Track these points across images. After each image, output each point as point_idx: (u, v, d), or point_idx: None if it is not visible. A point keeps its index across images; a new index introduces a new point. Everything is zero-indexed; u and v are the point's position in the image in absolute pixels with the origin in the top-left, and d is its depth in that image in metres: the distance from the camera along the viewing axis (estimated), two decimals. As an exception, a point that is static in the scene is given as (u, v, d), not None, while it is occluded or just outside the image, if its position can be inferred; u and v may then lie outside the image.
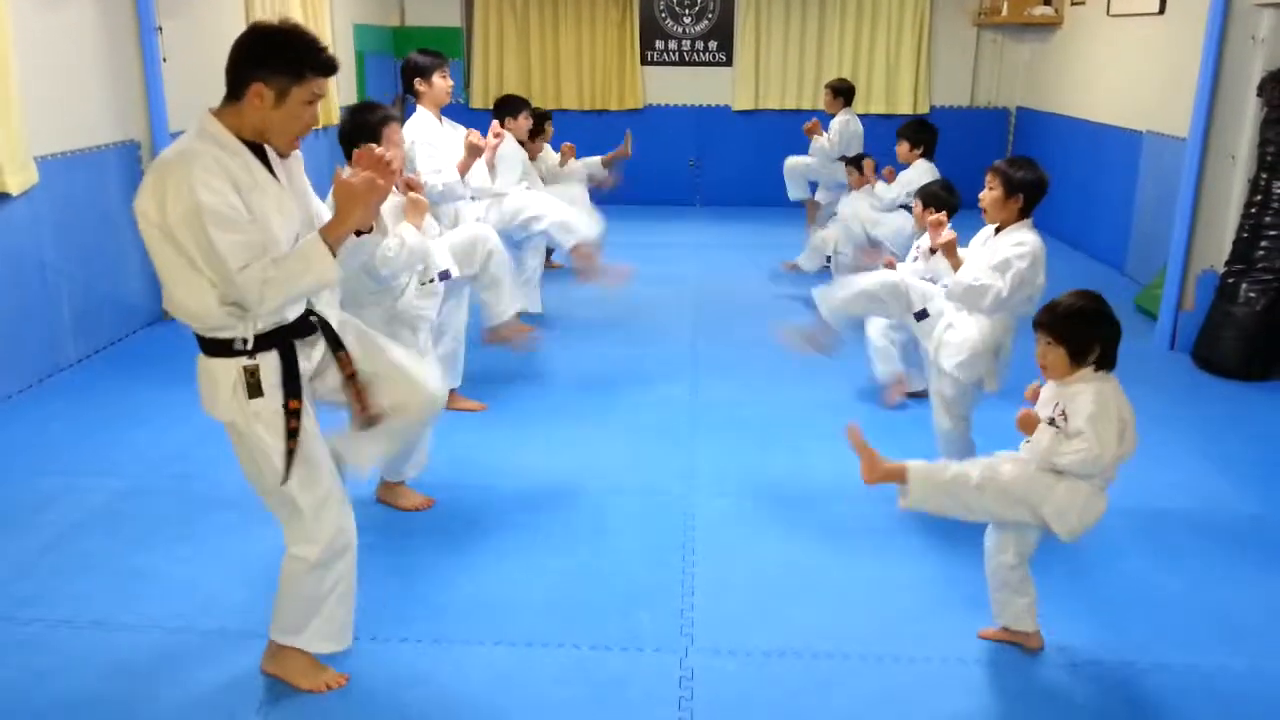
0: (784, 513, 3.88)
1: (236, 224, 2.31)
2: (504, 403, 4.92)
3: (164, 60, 6.01)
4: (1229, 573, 3.51)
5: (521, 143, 6.12)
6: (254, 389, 2.45)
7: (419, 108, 4.61)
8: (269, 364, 2.47)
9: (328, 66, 2.41)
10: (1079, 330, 2.72)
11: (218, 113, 2.42)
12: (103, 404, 4.86)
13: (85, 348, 5.52)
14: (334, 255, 2.41)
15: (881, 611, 3.21)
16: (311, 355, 2.60)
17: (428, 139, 4.50)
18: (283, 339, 2.49)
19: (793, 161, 7.99)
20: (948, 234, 3.67)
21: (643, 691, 2.80)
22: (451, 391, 4.52)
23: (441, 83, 4.60)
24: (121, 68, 5.81)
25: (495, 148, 4.76)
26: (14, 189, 4.79)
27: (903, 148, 6.06)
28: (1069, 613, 3.18)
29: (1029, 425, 2.81)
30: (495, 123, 5.03)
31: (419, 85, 4.59)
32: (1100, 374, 2.74)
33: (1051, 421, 2.73)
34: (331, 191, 2.51)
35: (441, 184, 4.38)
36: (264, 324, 2.45)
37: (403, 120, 4.65)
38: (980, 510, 2.83)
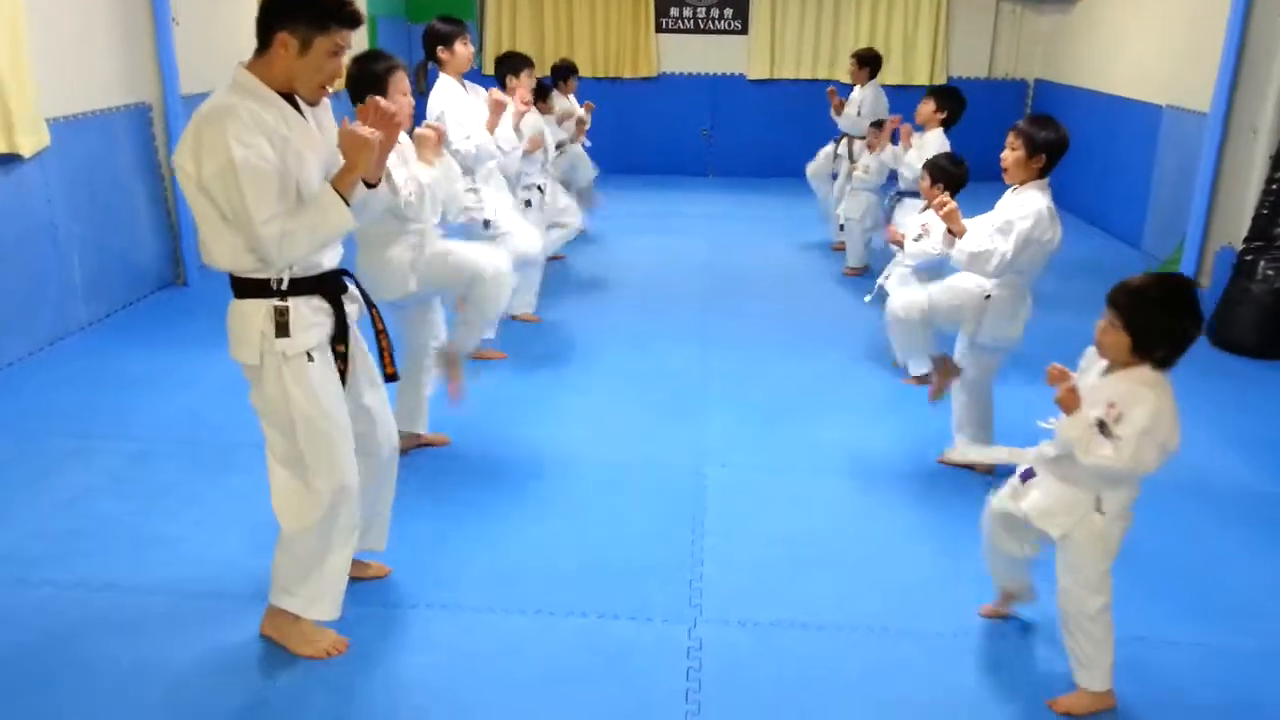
0: (792, 485, 3.87)
1: (268, 177, 2.39)
2: (514, 373, 4.92)
3: (175, 23, 5.98)
4: (1240, 551, 3.49)
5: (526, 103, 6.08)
6: (281, 329, 2.53)
7: (442, 75, 4.63)
8: (299, 308, 2.56)
9: (352, 19, 2.49)
10: (1154, 320, 2.41)
11: (250, 65, 2.49)
12: (114, 367, 4.87)
13: (97, 311, 5.53)
14: (347, 203, 2.49)
15: (888, 584, 3.21)
16: (349, 307, 2.69)
17: (456, 106, 4.56)
18: (320, 287, 2.60)
19: (813, 169, 7.75)
20: (949, 205, 3.63)
21: (651, 661, 2.81)
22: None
23: (464, 50, 4.62)
24: (132, 30, 5.78)
25: (520, 112, 4.97)
26: (25, 151, 4.78)
27: (927, 107, 5.71)
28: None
29: (1071, 405, 2.44)
30: (523, 89, 5.19)
31: (441, 53, 4.59)
32: (1161, 377, 2.44)
33: (1102, 425, 2.41)
34: (337, 141, 2.55)
35: (475, 146, 4.48)
36: (299, 269, 2.54)
37: (422, 81, 4.68)
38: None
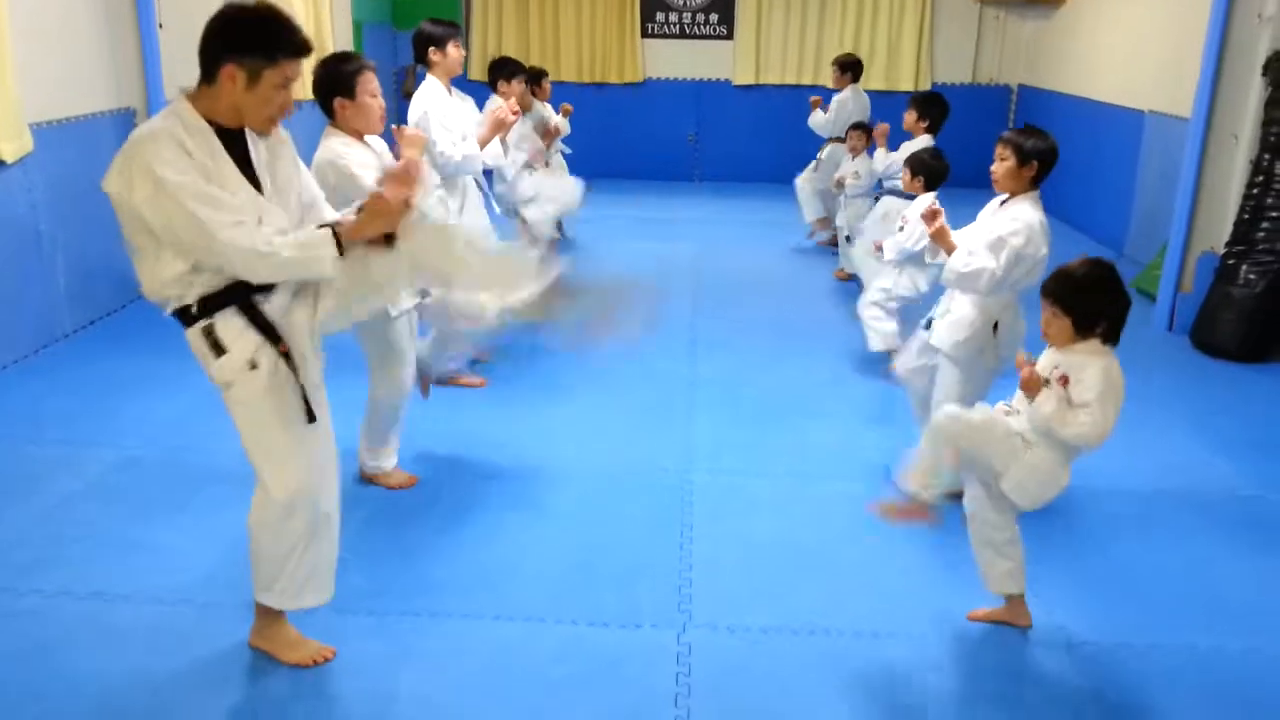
0: (781, 489, 3.88)
1: (207, 192, 2.30)
2: (502, 378, 4.91)
3: (160, 27, 5.95)
4: (1225, 553, 3.52)
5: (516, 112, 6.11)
6: (217, 349, 2.46)
7: (429, 77, 4.56)
8: (226, 322, 2.46)
9: (300, 48, 2.38)
10: (1086, 301, 2.68)
11: (192, 95, 2.40)
12: (99, 375, 4.84)
13: (81, 318, 5.49)
14: (341, 253, 2.41)
15: (877, 588, 3.22)
16: (272, 300, 2.50)
17: (440, 109, 4.47)
18: (237, 296, 2.45)
19: (801, 182, 7.75)
20: (937, 222, 3.58)
21: (640, 667, 2.81)
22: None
23: (455, 52, 4.54)
24: (118, 34, 5.75)
25: (513, 124, 4.87)
26: (9, 156, 4.75)
27: (910, 116, 5.81)
28: (1064, 592, 3.19)
29: (1034, 387, 2.72)
30: (513, 99, 5.09)
31: (433, 55, 4.52)
32: (1106, 348, 2.70)
33: (1046, 383, 2.69)
34: (368, 205, 2.46)
35: (461, 155, 4.41)
36: (205, 288, 2.42)
37: (410, 83, 4.63)
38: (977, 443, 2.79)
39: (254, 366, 2.48)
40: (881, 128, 6.36)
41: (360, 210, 2.49)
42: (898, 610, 3.11)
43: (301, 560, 2.67)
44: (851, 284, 6.69)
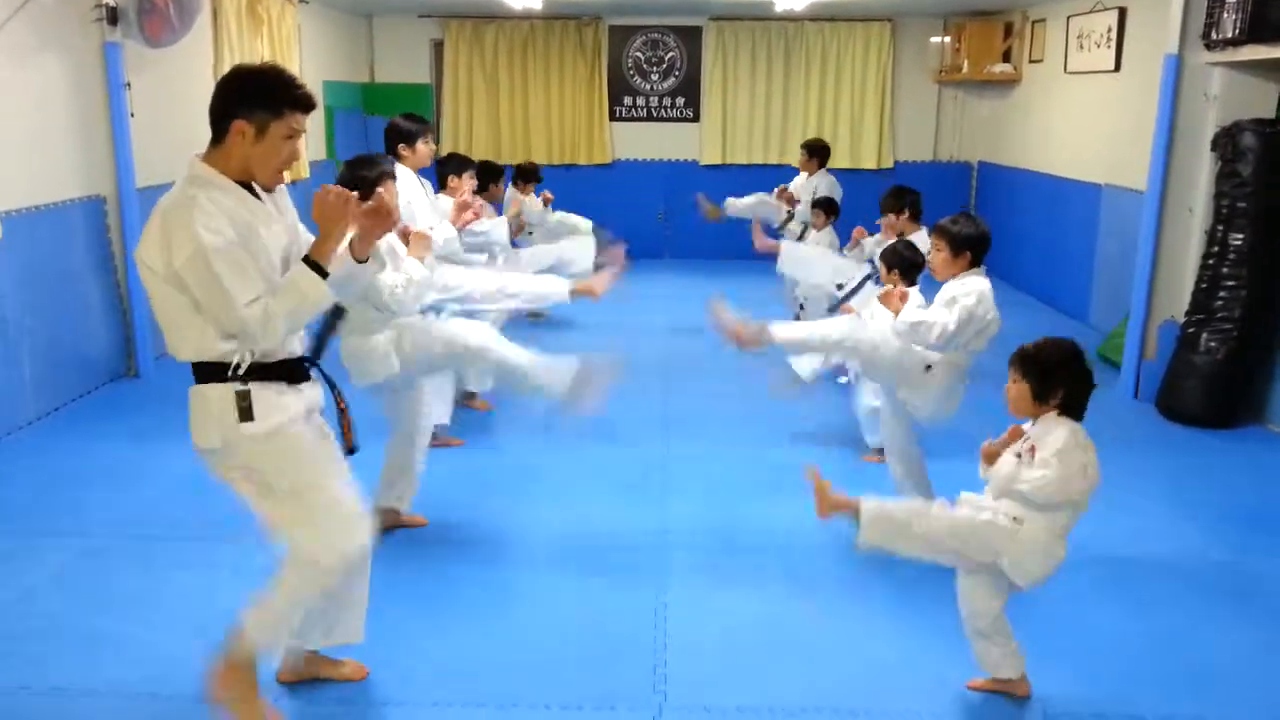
0: (756, 567, 3.86)
1: (242, 259, 2.42)
2: (473, 458, 4.89)
3: (132, 116, 6.01)
4: (1199, 620, 3.52)
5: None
6: (245, 413, 2.52)
7: (401, 168, 4.67)
8: (262, 394, 2.54)
9: (305, 102, 2.52)
10: (1044, 370, 2.77)
11: (206, 156, 2.51)
12: (62, 462, 4.77)
13: (45, 405, 5.43)
14: (324, 274, 2.51)
15: (857, 665, 3.19)
16: (304, 393, 2.66)
17: (421, 202, 4.65)
18: (281, 372, 2.58)
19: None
20: (891, 289, 3.81)
21: (616, 752, 2.75)
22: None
23: (424, 149, 4.77)
24: (89, 123, 5.80)
25: (478, 210, 5.07)
26: (-24, 245, 4.74)
27: (889, 219, 5.55)
28: (1042, 663, 3.16)
29: (991, 458, 2.87)
30: (455, 188, 5.27)
31: (402, 150, 4.73)
32: (1068, 420, 2.78)
33: (1018, 456, 2.78)
34: (314, 209, 2.57)
35: (443, 239, 4.53)
36: (260, 355, 2.53)
37: None
38: (941, 549, 2.82)
39: (277, 436, 2.56)
40: (858, 232, 6.24)
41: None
42: (878, 686, 3.07)
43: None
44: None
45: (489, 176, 6.97)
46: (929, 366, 3.70)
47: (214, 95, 2.50)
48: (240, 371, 2.51)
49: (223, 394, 2.51)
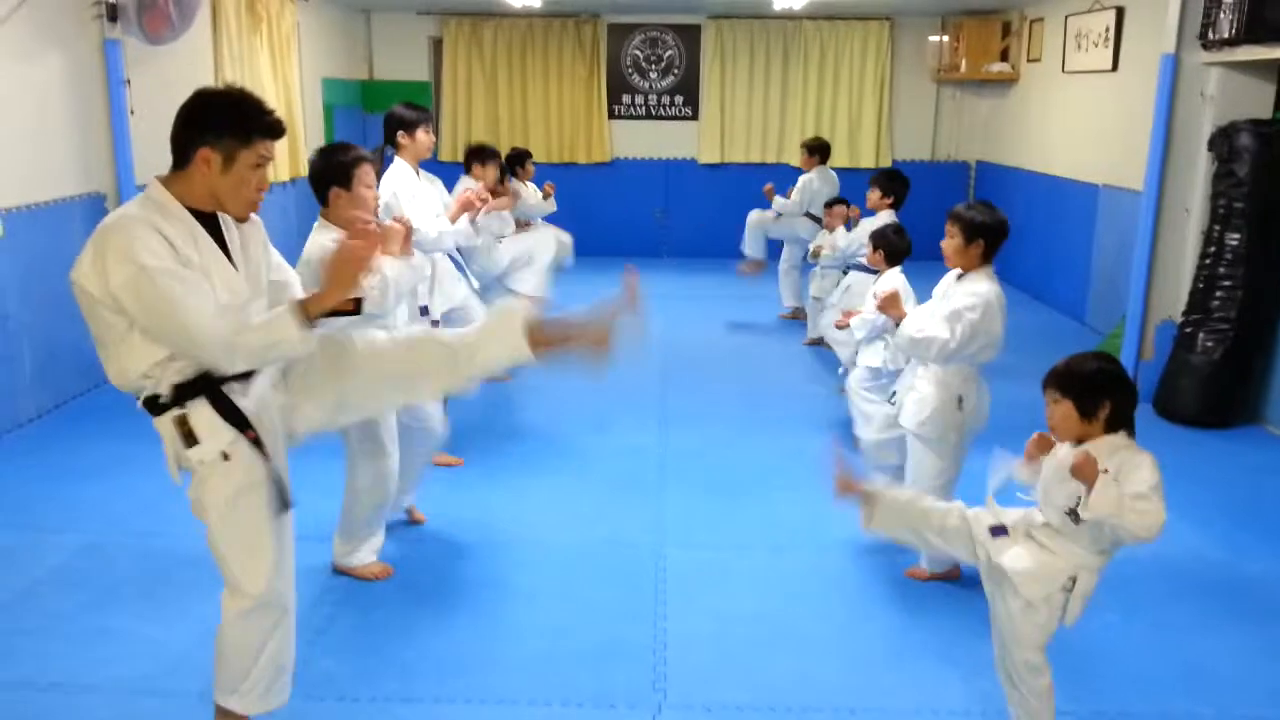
0: (754, 563, 3.87)
1: (188, 277, 2.27)
2: (474, 457, 4.90)
3: (131, 113, 6.01)
4: (1195, 620, 3.54)
5: (492, 191, 6.20)
6: (189, 438, 2.39)
7: (397, 159, 4.62)
8: (199, 412, 2.40)
9: (274, 129, 2.38)
10: (1085, 384, 2.52)
11: (166, 180, 2.38)
12: (63, 459, 4.78)
13: (46, 402, 5.43)
14: (312, 325, 2.35)
15: (853, 662, 3.21)
16: (250, 390, 2.47)
17: (408, 192, 4.54)
18: (208, 385, 2.41)
19: (755, 217, 8.05)
20: (887, 289, 3.67)
21: (616, 749, 2.77)
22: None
23: (425, 137, 4.62)
24: (89, 120, 5.80)
25: (486, 206, 5.02)
26: (-24, 242, 4.75)
27: (874, 194, 6.00)
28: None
29: (1090, 472, 2.37)
30: (482, 185, 5.27)
31: (401, 138, 4.58)
32: (1138, 447, 2.51)
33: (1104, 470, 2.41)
34: (331, 258, 2.41)
35: (436, 231, 4.49)
36: (178, 376, 2.37)
37: (378, 166, 4.67)
38: (937, 549, 2.78)
39: (226, 458, 2.42)
40: (853, 211, 6.52)
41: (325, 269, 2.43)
42: (875, 683, 3.09)
43: (269, 660, 2.59)
44: (822, 351, 6.78)
45: (515, 161, 7.15)
46: (960, 400, 3.58)
47: (177, 120, 2.35)
48: (165, 400, 2.37)
49: (167, 425, 2.40)
